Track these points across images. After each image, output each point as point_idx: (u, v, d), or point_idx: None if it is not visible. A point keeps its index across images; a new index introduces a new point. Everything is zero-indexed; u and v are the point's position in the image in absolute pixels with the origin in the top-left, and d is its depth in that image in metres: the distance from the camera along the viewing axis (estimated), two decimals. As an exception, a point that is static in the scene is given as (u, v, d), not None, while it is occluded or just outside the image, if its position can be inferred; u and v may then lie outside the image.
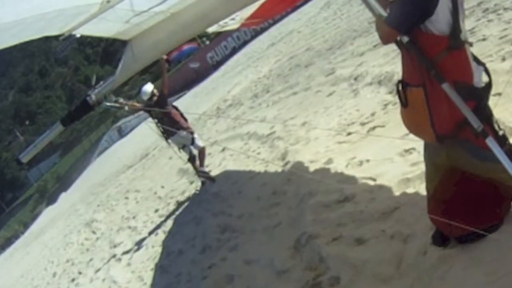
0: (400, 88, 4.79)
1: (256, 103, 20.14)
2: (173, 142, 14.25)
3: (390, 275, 5.48)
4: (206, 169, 14.27)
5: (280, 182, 10.25)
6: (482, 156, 4.51)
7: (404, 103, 4.78)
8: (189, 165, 17.47)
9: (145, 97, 14.07)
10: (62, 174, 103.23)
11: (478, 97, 4.51)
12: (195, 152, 14.12)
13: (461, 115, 4.40)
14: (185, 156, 14.43)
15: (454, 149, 4.67)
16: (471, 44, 4.61)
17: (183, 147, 14.32)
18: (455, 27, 4.42)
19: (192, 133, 14.12)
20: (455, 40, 4.44)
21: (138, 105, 14.43)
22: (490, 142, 4.36)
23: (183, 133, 13.96)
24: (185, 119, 14.26)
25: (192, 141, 14.06)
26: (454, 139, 4.59)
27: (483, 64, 4.68)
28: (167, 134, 14.00)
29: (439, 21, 4.36)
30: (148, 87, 14.04)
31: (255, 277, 7.52)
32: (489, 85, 4.65)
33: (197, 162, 14.24)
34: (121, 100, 14.24)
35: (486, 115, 4.52)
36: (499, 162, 4.33)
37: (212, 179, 13.93)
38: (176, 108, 14.37)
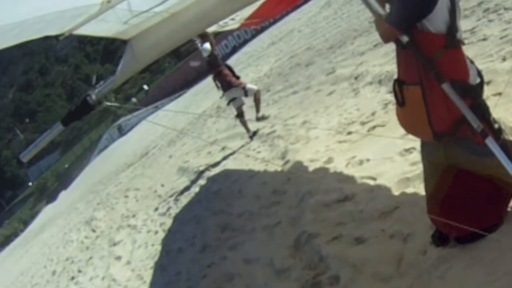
0: (397, 87, 4.80)
1: (256, 102, 20.19)
2: (225, 96, 15.39)
3: (390, 274, 5.48)
4: (260, 114, 15.51)
5: (280, 181, 10.25)
6: (480, 153, 4.50)
7: (401, 102, 4.78)
8: (189, 164, 17.56)
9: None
10: (62, 172, 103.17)
11: (474, 95, 4.54)
12: (249, 99, 15.72)
13: (459, 112, 4.41)
14: (234, 110, 15.82)
15: (452, 147, 4.68)
16: (464, 43, 4.63)
17: (233, 99, 15.41)
18: (452, 26, 4.44)
19: (243, 88, 15.22)
20: (451, 39, 4.45)
21: (204, 54, 15.22)
22: (490, 142, 4.36)
23: (234, 89, 15.13)
24: (237, 77, 15.56)
25: (245, 94, 15.27)
26: (452, 136, 4.59)
27: (472, 63, 4.70)
28: (222, 88, 15.24)
29: (437, 19, 4.37)
30: (208, 45, 14.94)
31: (255, 276, 7.53)
32: (482, 82, 4.67)
33: (245, 118, 15.69)
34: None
35: (482, 112, 4.54)
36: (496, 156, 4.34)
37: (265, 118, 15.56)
38: (229, 67, 15.60)
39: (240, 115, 15.58)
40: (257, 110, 15.51)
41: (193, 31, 7.63)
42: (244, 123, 15.62)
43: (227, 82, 15.12)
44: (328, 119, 11.96)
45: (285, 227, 8.26)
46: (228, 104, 15.73)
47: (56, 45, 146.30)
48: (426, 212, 5.19)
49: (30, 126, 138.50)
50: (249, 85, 15.48)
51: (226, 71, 15.29)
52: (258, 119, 15.25)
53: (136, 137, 52.43)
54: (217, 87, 15.44)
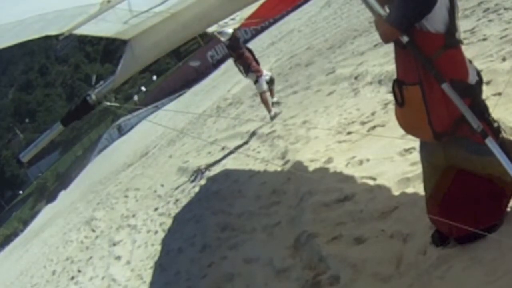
0: (396, 87, 4.80)
1: (256, 102, 20.05)
2: (248, 77, 15.77)
3: (389, 274, 5.49)
4: (272, 113, 15.54)
5: (280, 181, 10.25)
6: (480, 152, 4.51)
7: (400, 102, 4.78)
8: (188, 164, 17.60)
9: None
10: (62, 172, 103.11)
11: (474, 94, 4.55)
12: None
13: (458, 112, 4.41)
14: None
15: (452, 147, 4.68)
16: (462, 43, 4.64)
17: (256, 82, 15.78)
18: (451, 26, 4.44)
19: (258, 77, 15.47)
20: (451, 39, 4.46)
21: (223, 38, 15.33)
22: (490, 142, 4.36)
23: (251, 74, 15.49)
24: (257, 62, 15.88)
25: (255, 82, 15.53)
26: (452, 136, 4.60)
27: (471, 62, 4.71)
28: (244, 71, 15.49)
29: (436, 19, 4.38)
30: (229, 30, 14.91)
31: (255, 276, 7.54)
32: (480, 81, 4.67)
33: (271, 91, 16.10)
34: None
35: (481, 111, 4.55)
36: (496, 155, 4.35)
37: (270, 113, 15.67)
38: (250, 51, 15.90)
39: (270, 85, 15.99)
40: (268, 111, 15.61)
41: (193, 31, 7.61)
42: (272, 93, 16.08)
43: (248, 65, 15.41)
44: (328, 119, 11.95)
45: (285, 227, 8.26)
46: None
47: (56, 45, 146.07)
48: (426, 212, 5.20)
49: (30, 126, 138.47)
50: (262, 80, 15.58)
51: (247, 54, 15.59)
52: (272, 118, 15.33)
53: (136, 137, 52.41)
54: (240, 70, 15.79)
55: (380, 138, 8.62)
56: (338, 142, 10.24)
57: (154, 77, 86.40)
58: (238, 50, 15.49)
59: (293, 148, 11.56)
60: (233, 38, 15.21)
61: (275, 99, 16.04)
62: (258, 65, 15.78)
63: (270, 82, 15.91)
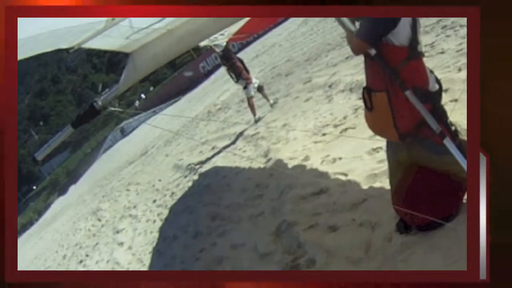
0: (366, 93, 4.82)
1: (242, 107, 20.03)
2: (239, 83, 15.98)
3: (359, 258, 5.49)
4: (256, 117, 15.67)
5: (263, 176, 10.22)
6: (439, 151, 4.54)
7: (369, 107, 4.79)
8: (183, 162, 17.53)
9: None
10: (72, 168, 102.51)
11: (434, 100, 4.58)
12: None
13: (420, 116, 4.46)
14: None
15: (414, 146, 4.70)
16: (424, 55, 4.66)
17: (245, 87, 15.96)
18: (414, 40, 4.47)
19: (247, 83, 15.72)
20: (413, 51, 4.49)
21: (217, 50, 15.49)
22: (447, 143, 4.39)
23: (241, 81, 15.72)
24: (247, 71, 16.02)
25: (244, 87, 15.83)
26: (414, 137, 4.63)
27: (432, 72, 4.73)
28: (236, 78, 15.76)
29: (400, 34, 4.41)
30: (223, 42, 15.11)
31: (241, 259, 7.50)
32: (440, 89, 4.70)
33: (265, 95, 16.42)
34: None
35: (440, 115, 4.57)
36: (453, 155, 4.38)
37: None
38: (241, 61, 16.05)
39: (260, 89, 16.13)
40: (253, 114, 15.70)
41: (187, 45, 7.60)
42: (266, 96, 16.42)
43: (239, 73, 15.58)
44: (305, 122, 11.93)
45: (268, 217, 8.24)
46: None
47: (67, 57, 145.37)
48: (391, 203, 5.20)
49: (43, 128, 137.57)
50: (251, 87, 15.73)
51: (239, 64, 15.74)
52: (256, 121, 15.40)
53: (137, 138, 52.20)
54: (231, 77, 15.95)
55: (351, 139, 8.62)
56: (314, 143, 10.22)
57: (151, 88, 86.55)
58: (230, 60, 15.59)
59: (274, 147, 11.53)
60: (226, 49, 15.38)
61: (271, 101, 16.18)
62: (248, 73, 15.88)
63: (260, 89, 16.05)
